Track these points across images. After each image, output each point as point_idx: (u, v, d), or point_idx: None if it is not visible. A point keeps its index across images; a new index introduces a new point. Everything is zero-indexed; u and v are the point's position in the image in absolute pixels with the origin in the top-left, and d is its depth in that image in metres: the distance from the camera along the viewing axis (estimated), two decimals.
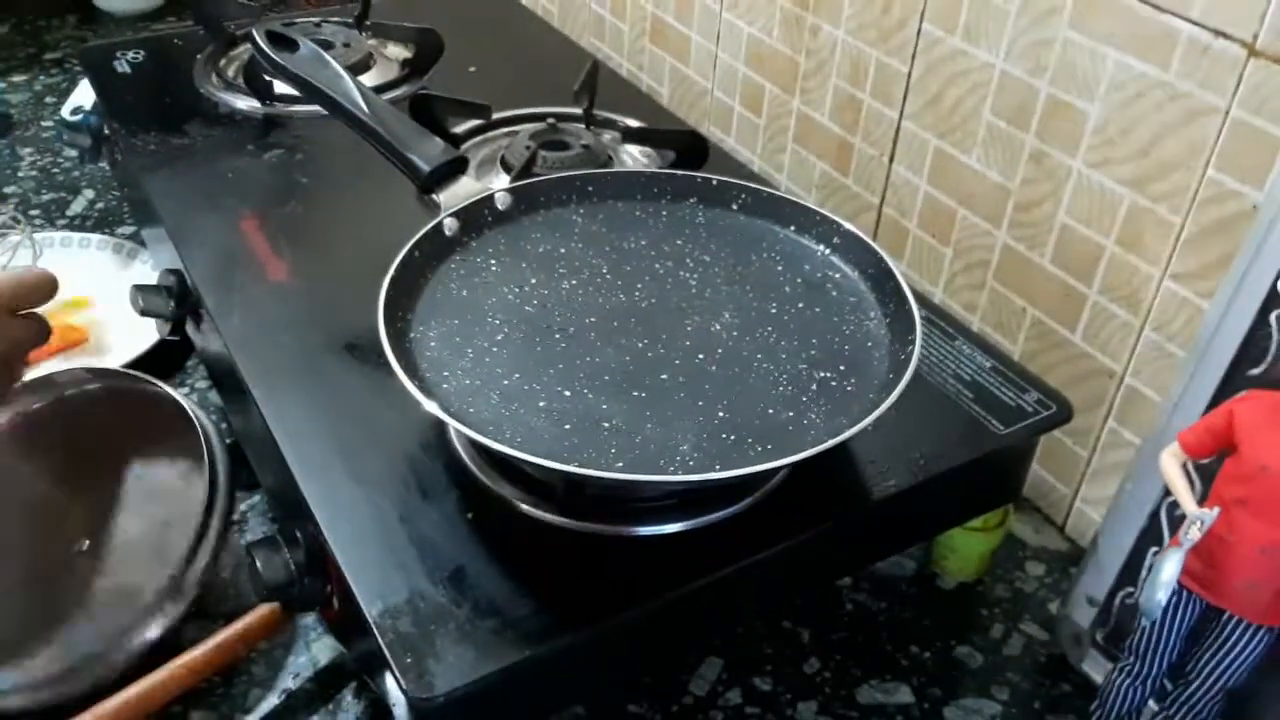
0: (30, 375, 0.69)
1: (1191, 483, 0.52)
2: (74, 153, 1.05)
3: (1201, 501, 0.51)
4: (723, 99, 0.97)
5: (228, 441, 0.68)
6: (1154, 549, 0.59)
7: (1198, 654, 0.53)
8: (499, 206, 0.66)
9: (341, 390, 0.61)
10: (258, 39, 0.69)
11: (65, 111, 1.07)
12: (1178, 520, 0.57)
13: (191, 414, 0.66)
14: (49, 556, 0.64)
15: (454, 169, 0.67)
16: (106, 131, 0.90)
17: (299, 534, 0.56)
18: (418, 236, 0.61)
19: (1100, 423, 0.69)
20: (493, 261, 0.63)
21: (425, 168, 0.66)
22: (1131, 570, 0.60)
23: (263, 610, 0.60)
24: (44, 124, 1.13)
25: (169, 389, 0.69)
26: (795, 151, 0.90)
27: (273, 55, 0.69)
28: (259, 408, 0.59)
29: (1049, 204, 0.68)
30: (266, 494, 0.72)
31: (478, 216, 0.65)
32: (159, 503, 0.66)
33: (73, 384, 0.71)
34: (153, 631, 0.59)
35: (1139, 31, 0.60)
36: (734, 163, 0.85)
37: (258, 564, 0.54)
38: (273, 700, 0.61)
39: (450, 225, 0.63)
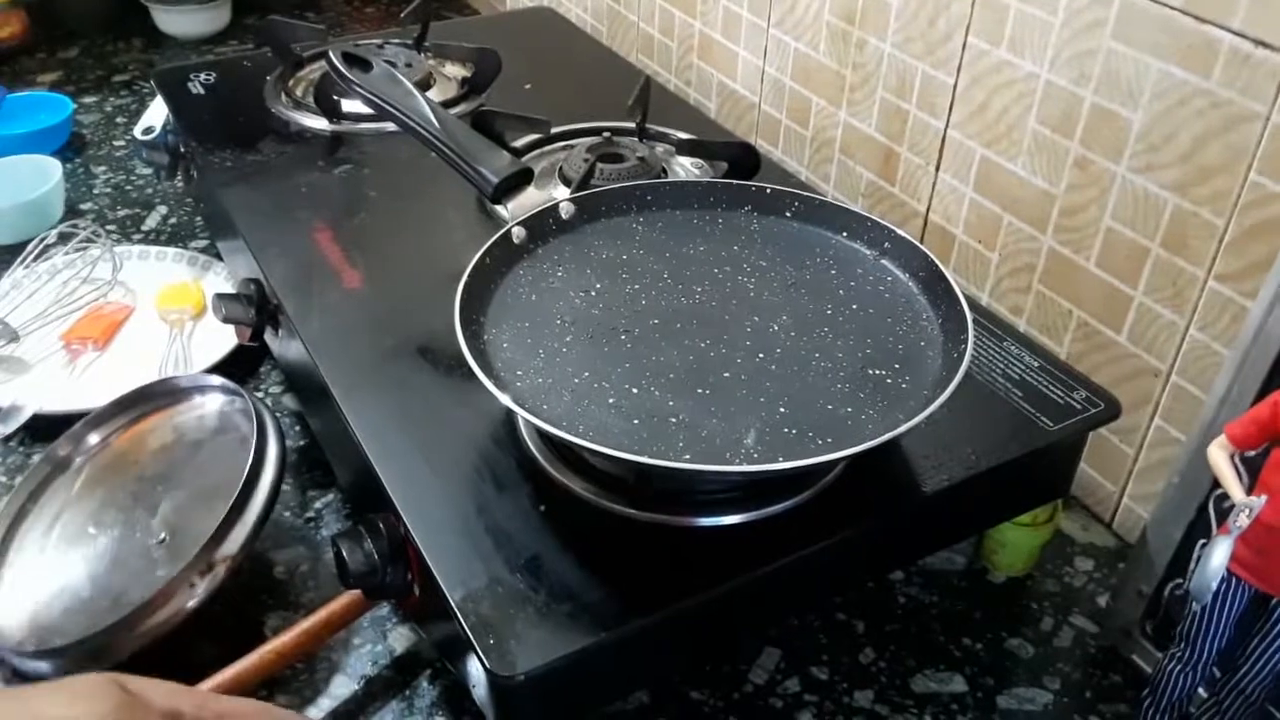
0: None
1: (1239, 474, 0.54)
2: (147, 170, 1.10)
3: (1249, 492, 0.53)
4: (770, 112, 0.99)
5: (299, 444, 0.72)
6: (1202, 541, 0.60)
7: (1247, 640, 0.55)
8: (563, 216, 0.69)
9: (415, 390, 0.64)
10: (335, 61, 0.72)
11: (137, 131, 1.12)
12: (1225, 514, 0.59)
13: (250, 404, 0.69)
14: (132, 549, 0.67)
15: (520, 180, 0.70)
16: (183, 150, 0.94)
17: (381, 525, 0.59)
18: (488, 244, 0.64)
19: (1147, 421, 0.71)
20: (559, 268, 0.66)
21: (494, 179, 0.69)
22: (1180, 563, 0.62)
23: (344, 598, 0.63)
24: (116, 143, 1.18)
25: (241, 390, 0.73)
26: (842, 162, 0.92)
27: (349, 75, 0.72)
28: (339, 406, 0.63)
29: (1094, 209, 0.70)
30: (344, 490, 0.76)
31: (543, 225, 0.68)
32: (226, 499, 0.69)
33: (166, 393, 0.75)
34: (201, 587, 0.61)
35: (1181, 42, 0.62)
36: (782, 173, 0.88)
37: (343, 553, 0.58)
38: (352, 686, 0.64)
39: (518, 234, 0.66)
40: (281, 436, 0.69)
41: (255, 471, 0.65)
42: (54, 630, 0.64)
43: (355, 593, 0.62)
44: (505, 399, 0.53)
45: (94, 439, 0.73)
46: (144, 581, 0.64)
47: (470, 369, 0.54)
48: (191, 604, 0.61)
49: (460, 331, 0.57)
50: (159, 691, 0.47)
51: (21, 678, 0.63)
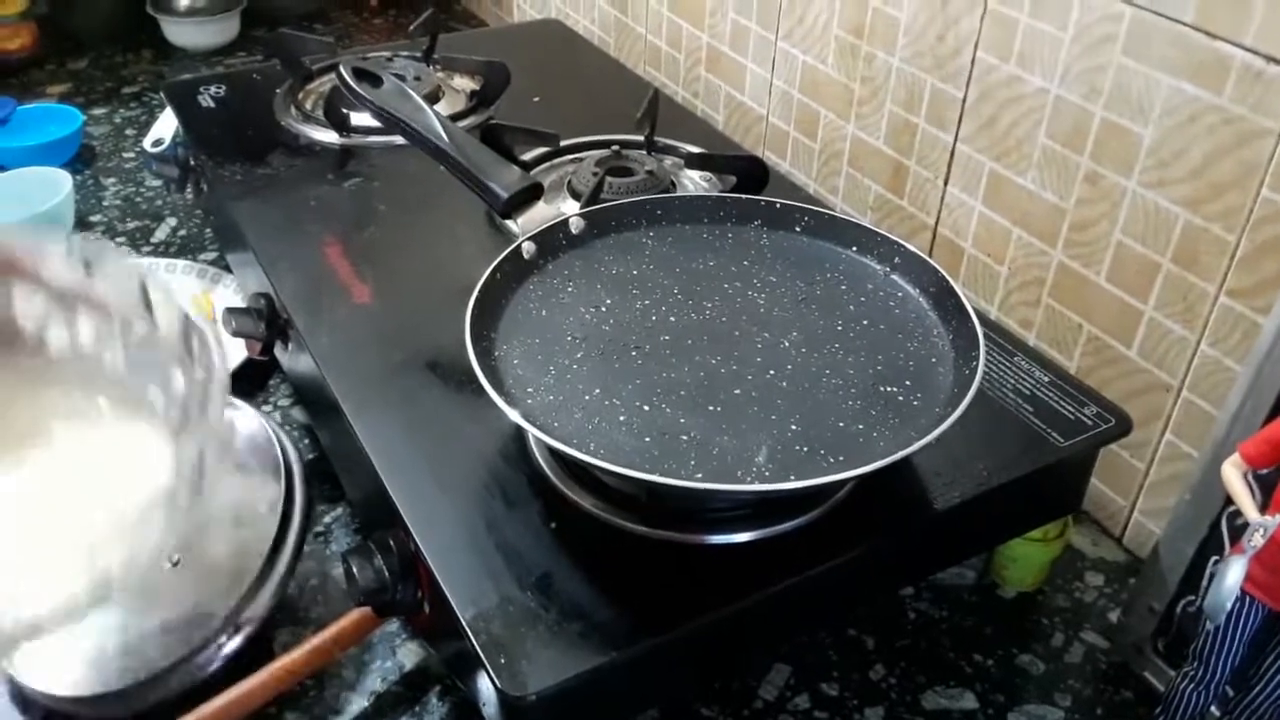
0: None
1: (1253, 492, 0.54)
2: (156, 182, 1.10)
3: (1263, 511, 0.53)
4: (778, 124, 1.00)
5: (308, 458, 0.71)
6: (1214, 558, 0.60)
7: (1261, 659, 0.55)
8: (573, 230, 0.69)
9: (425, 406, 0.64)
10: (345, 75, 0.72)
11: (146, 143, 1.12)
12: (1237, 531, 0.59)
13: (273, 437, 0.70)
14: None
15: (530, 195, 0.70)
16: (193, 162, 0.95)
17: (391, 541, 0.59)
18: (499, 259, 0.64)
19: (1158, 436, 0.71)
20: (569, 283, 0.66)
21: (504, 194, 0.69)
22: (1192, 580, 0.62)
23: (354, 615, 0.63)
24: (125, 155, 1.18)
25: (252, 408, 0.73)
26: (850, 175, 0.92)
27: (359, 90, 0.72)
28: (349, 422, 0.63)
29: (1104, 223, 0.70)
30: (353, 505, 0.76)
31: (553, 240, 0.68)
32: (245, 526, 0.69)
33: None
34: (227, 648, 0.62)
35: (1192, 58, 0.62)
36: (790, 185, 0.88)
37: (353, 570, 0.58)
38: (362, 703, 0.64)
39: (528, 249, 0.66)
40: (308, 482, 0.69)
41: (284, 527, 0.65)
42: (78, 656, 0.64)
43: (365, 609, 0.62)
44: (516, 416, 0.53)
45: None
46: (164, 605, 0.64)
47: (481, 385, 0.54)
48: (216, 665, 0.62)
49: (471, 348, 0.57)
50: None
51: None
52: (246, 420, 0.72)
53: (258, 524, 0.68)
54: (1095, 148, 0.69)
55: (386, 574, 0.58)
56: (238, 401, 0.74)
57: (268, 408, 0.85)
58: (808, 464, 0.54)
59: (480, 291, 0.61)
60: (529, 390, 0.58)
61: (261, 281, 0.77)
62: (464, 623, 0.51)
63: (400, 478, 0.59)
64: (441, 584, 0.54)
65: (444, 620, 0.54)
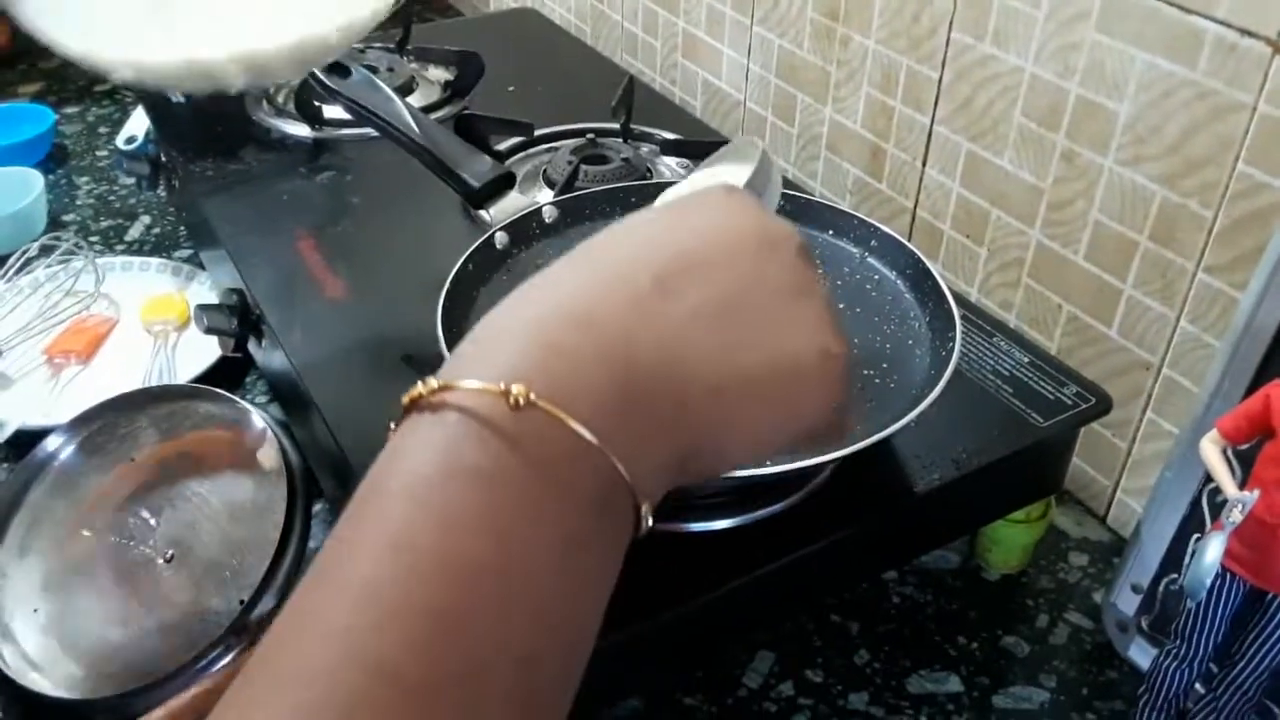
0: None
1: (1232, 468, 0.54)
2: (130, 180, 1.09)
3: (1242, 486, 0.52)
4: (755, 110, 0.99)
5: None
6: (1196, 536, 0.60)
7: (1243, 636, 0.54)
8: (546, 219, 0.68)
9: (401, 400, 0.63)
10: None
11: (119, 141, 1.11)
12: (1218, 507, 0.58)
13: (274, 435, 0.69)
14: (135, 562, 0.67)
15: (502, 184, 0.69)
16: (164, 159, 0.94)
17: None
18: (470, 250, 0.63)
19: (1139, 414, 0.70)
20: None
21: (475, 184, 0.68)
22: (1174, 558, 0.62)
23: None
24: (99, 153, 1.17)
25: (250, 406, 0.72)
26: (829, 159, 0.92)
27: (327, 81, 0.72)
28: (324, 418, 0.62)
29: (1081, 202, 0.70)
30: (330, 502, 0.75)
31: (526, 230, 0.67)
32: (238, 520, 0.68)
33: (159, 399, 0.74)
34: (223, 660, 0.62)
35: (1166, 32, 0.61)
36: None
37: None
38: None
39: (501, 239, 0.66)
40: (307, 482, 0.68)
41: (288, 528, 0.65)
42: (70, 649, 0.63)
43: None
44: None
45: (70, 444, 0.72)
46: (158, 600, 0.64)
47: None
48: (223, 667, 0.61)
49: (444, 340, 0.56)
50: None
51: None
52: (250, 420, 0.72)
53: (250, 522, 0.68)
54: (1071, 126, 0.69)
55: None
56: (236, 399, 0.73)
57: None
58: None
59: (452, 283, 0.61)
60: None
61: (233, 277, 0.76)
62: None
63: None
64: None
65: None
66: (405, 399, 0.29)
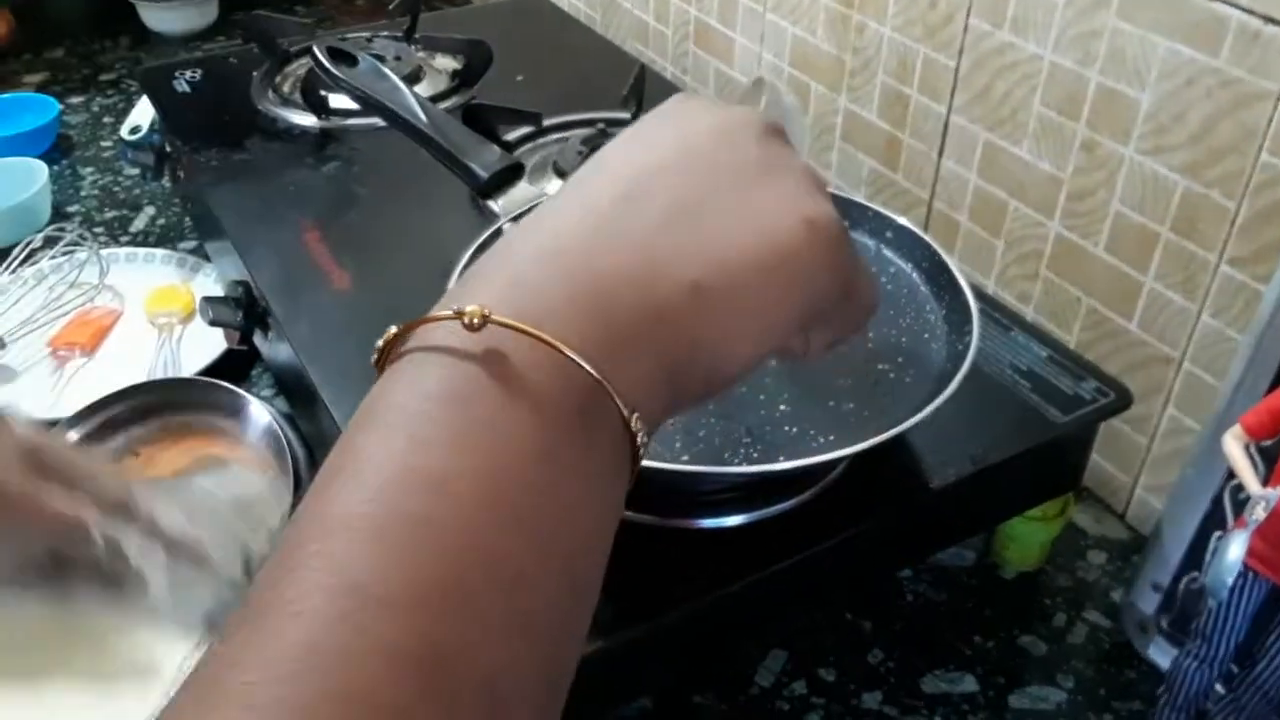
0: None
1: (1255, 465, 0.53)
2: (134, 171, 1.08)
3: (1266, 483, 0.51)
4: None
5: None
6: (1217, 534, 0.59)
7: (1265, 635, 0.53)
8: None
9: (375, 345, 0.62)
10: (319, 55, 0.70)
11: (124, 131, 1.11)
12: (1240, 504, 0.57)
13: (279, 432, 0.68)
14: None
15: (511, 175, 0.68)
16: (169, 149, 0.93)
17: None
18: (479, 241, 0.62)
19: (1159, 410, 0.69)
20: None
21: (484, 174, 0.67)
22: (1195, 556, 0.60)
23: None
24: (103, 144, 1.16)
25: (255, 399, 0.71)
26: (843, 149, 0.90)
27: (334, 70, 0.70)
28: (330, 411, 0.61)
29: (1102, 192, 0.68)
30: None
31: None
32: (243, 515, 0.67)
33: (165, 393, 0.74)
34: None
35: (1188, 19, 0.60)
36: None
37: None
38: None
39: (509, 229, 0.64)
40: (314, 473, 0.67)
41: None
42: None
43: None
44: None
45: (74, 437, 0.72)
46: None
47: None
48: None
49: None
50: (25, 427, 0.46)
51: None
52: (254, 413, 0.71)
53: (255, 515, 0.67)
54: (1091, 115, 0.67)
55: None
56: (242, 392, 0.72)
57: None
58: (798, 444, 0.52)
59: (460, 273, 0.60)
60: None
61: (239, 269, 0.75)
62: None
63: None
64: None
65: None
66: (379, 344, 0.30)
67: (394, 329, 0.30)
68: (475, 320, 0.27)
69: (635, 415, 0.29)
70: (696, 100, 0.36)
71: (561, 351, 0.27)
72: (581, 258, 0.30)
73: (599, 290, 0.29)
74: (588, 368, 0.28)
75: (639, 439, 0.29)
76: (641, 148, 0.34)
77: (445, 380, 0.27)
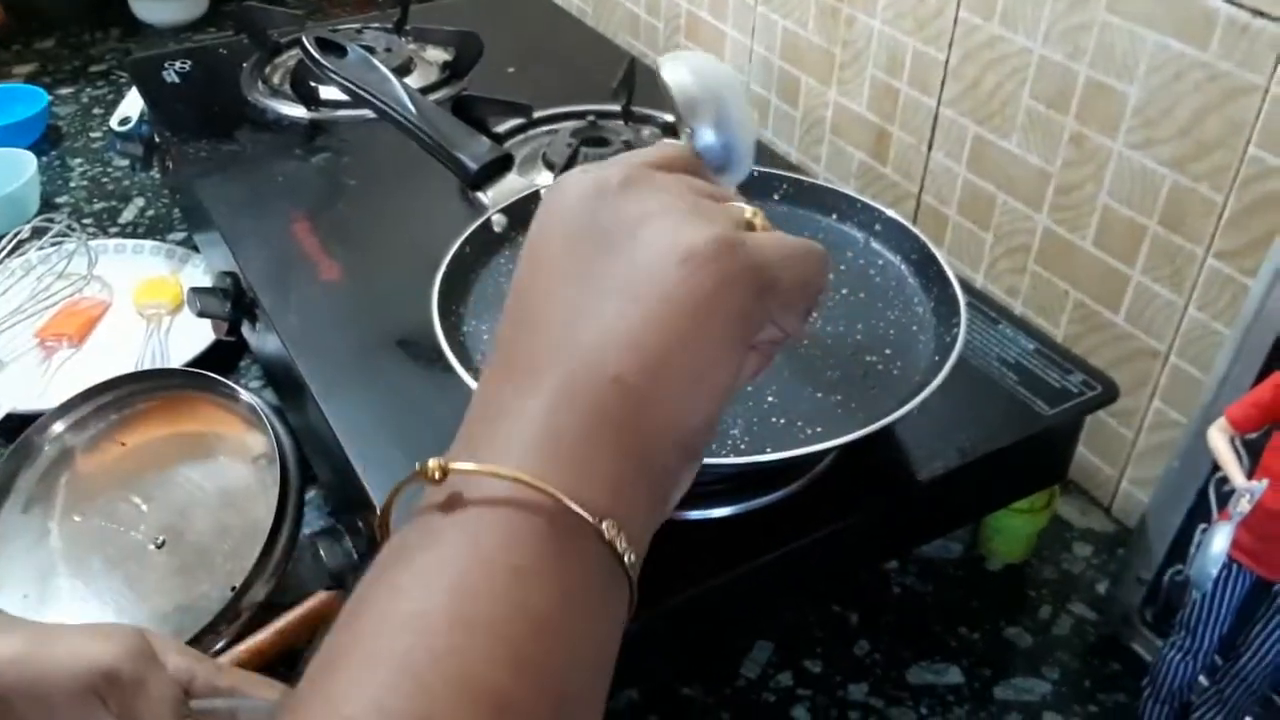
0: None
1: (1240, 458, 0.53)
2: (124, 162, 1.08)
3: (1250, 476, 0.51)
4: (759, 92, 0.97)
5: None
6: (1202, 526, 0.59)
7: (1249, 628, 0.54)
8: None
9: (396, 384, 0.62)
10: (308, 45, 0.70)
11: (113, 122, 1.10)
12: (1225, 498, 0.57)
13: (266, 421, 0.68)
14: (126, 551, 0.66)
15: (500, 166, 0.68)
16: (158, 140, 0.92)
17: (360, 523, 0.57)
18: (467, 233, 0.62)
19: (1145, 403, 0.69)
20: None
21: (473, 166, 0.67)
22: (1180, 549, 0.61)
23: (323, 596, 0.62)
24: (93, 135, 1.16)
25: (244, 391, 0.71)
26: (833, 142, 0.90)
27: (322, 61, 0.70)
28: (318, 403, 0.61)
29: (1090, 186, 0.68)
30: (324, 488, 0.74)
31: (525, 212, 0.66)
32: (231, 506, 0.67)
33: (151, 383, 0.73)
34: (229, 636, 0.61)
35: (1177, 13, 0.60)
36: (771, 155, 0.86)
37: (321, 552, 0.56)
38: None
39: (498, 221, 0.64)
40: (300, 467, 0.67)
41: (281, 514, 0.64)
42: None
43: (335, 592, 0.61)
44: None
45: (61, 427, 0.72)
46: (149, 586, 0.63)
47: (449, 362, 0.53)
48: (217, 649, 0.60)
49: (438, 323, 0.55)
50: (177, 652, 0.48)
51: None
52: (242, 404, 0.71)
53: (244, 507, 0.67)
54: (1080, 108, 0.67)
55: (355, 555, 0.56)
56: (229, 383, 0.72)
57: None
58: (785, 436, 0.52)
59: (448, 266, 0.60)
60: None
61: (227, 260, 0.75)
62: None
63: (369, 458, 0.58)
64: None
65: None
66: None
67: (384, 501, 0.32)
68: (436, 474, 0.30)
69: (608, 522, 0.29)
70: (556, 189, 0.35)
71: (516, 479, 0.29)
72: (506, 395, 0.31)
73: (531, 418, 0.30)
74: (539, 484, 0.29)
75: (618, 546, 0.29)
76: (526, 267, 0.34)
77: (417, 529, 0.29)
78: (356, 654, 0.27)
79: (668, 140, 0.37)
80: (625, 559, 0.30)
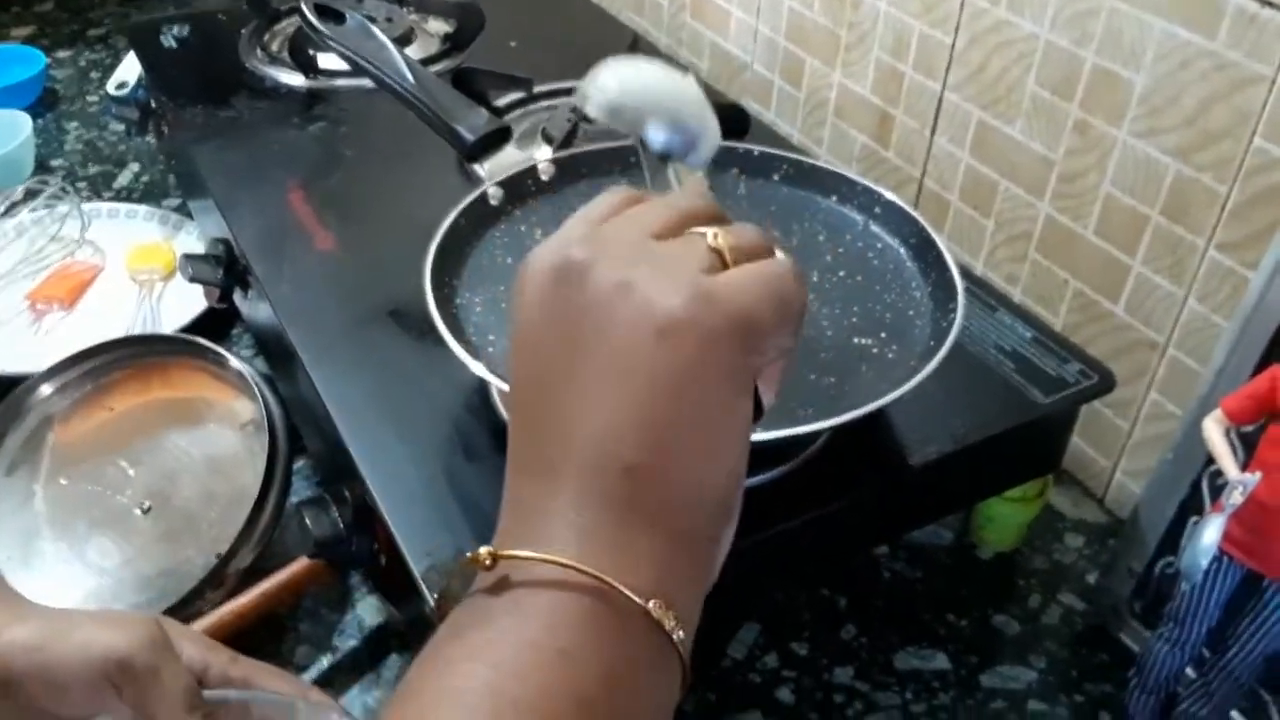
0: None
1: (1235, 451, 0.52)
2: (120, 127, 1.07)
3: (1244, 469, 0.51)
4: (763, 73, 0.97)
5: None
6: (1194, 519, 0.59)
7: (1237, 621, 0.53)
8: (542, 177, 0.66)
9: (387, 356, 0.62)
10: (306, 12, 0.70)
11: (110, 86, 1.09)
12: (1219, 490, 0.57)
13: (255, 388, 0.68)
14: (111, 511, 0.65)
15: (498, 139, 0.67)
16: (154, 105, 0.91)
17: (347, 493, 0.57)
18: (463, 205, 0.62)
19: (1142, 394, 0.69)
20: (537, 230, 0.63)
21: (470, 137, 0.66)
22: (1171, 541, 0.60)
23: (305, 563, 0.61)
24: (89, 99, 1.15)
25: (234, 358, 0.70)
26: (835, 125, 0.90)
27: (320, 28, 0.69)
28: (308, 373, 0.61)
29: (1093, 174, 0.68)
30: (313, 457, 0.73)
31: (521, 186, 0.65)
32: (218, 473, 0.67)
33: (141, 348, 0.73)
34: (213, 601, 0.61)
35: (1186, 0, 0.59)
36: (774, 136, 0.85)
37: (307, 521, 0.56)
38: (318, 656, 0.63)
39: (495, 194, 0.64)
40: (289, 435, 0.67)
41: (268, 481, 0.63)
42: (43, 598, 0.61)
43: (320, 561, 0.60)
44: (476, 365, 0.51)
45: (48, 390, 0.71)
46: (134, 551, 0.63)
47: (441, 335, 0.52)
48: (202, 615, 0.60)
49: (431, 295, 0.55)
50: (191, 642, 0.48)
51: None
52: (231, 371, 0.70)
53: (232, 474, 0.67)
54: (1086, 95, 0.67)
55: (341, 525, 0.56)
56: (220, 350, 0.71)
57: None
58: (776, 416, 0.51)
59: (442, 238, 0.59)
60: (491, 339, 0.55)
61: (220, 227, 0.74)
62: (418, 576, 0.50)
63: (358, 429, 0.57)
64: (396, 536, 0.52)
65: (399, 574, 0.52)
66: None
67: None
68: (487, 560, 0.30)
69: (654, 601, 0.29)
70: (522, 278, 0.34)
71: (562, 564, 0.29)
72: (535, 496, 0.32)
73: (562, 515, 0.31)
74: (585, 568, 0.29)
75: (666, 624, 0.30)
76: (516, 362, 0.34)
77: (468, 610, 0.31)
78: None
79: (613, 188, 0.36)
80: (674, 636, 0.30)
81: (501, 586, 0.30)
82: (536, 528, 0.31)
